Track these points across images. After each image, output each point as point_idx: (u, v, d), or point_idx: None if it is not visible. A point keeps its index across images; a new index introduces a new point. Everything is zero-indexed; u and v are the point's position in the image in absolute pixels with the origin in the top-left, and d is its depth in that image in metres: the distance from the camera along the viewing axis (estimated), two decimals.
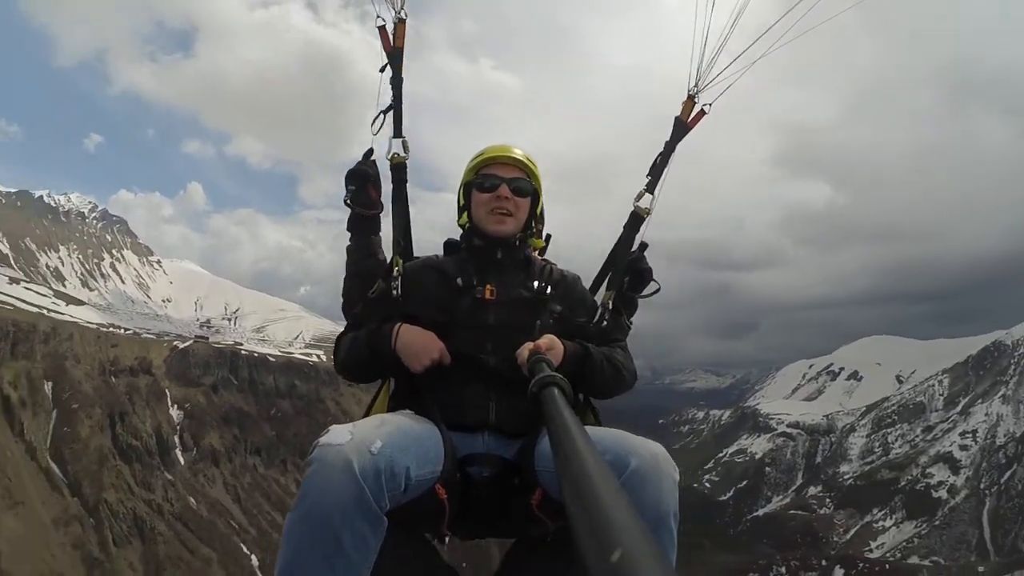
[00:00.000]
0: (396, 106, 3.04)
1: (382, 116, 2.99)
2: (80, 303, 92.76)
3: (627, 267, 2.98)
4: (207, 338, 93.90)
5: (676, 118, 3.19)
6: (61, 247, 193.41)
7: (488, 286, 2.67)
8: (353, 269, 2.92)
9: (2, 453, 51.94)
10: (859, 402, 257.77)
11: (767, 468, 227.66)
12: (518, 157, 2.81)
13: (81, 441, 58.78)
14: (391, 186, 3.04)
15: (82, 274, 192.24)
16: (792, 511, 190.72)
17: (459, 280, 2.67)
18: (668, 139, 3.18)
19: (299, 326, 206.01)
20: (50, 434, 58.80)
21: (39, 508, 52.32)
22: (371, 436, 1.94)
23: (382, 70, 3.04)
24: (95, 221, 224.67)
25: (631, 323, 3.02)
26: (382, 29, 3.06)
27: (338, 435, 1.91)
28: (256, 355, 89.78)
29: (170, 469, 62.87)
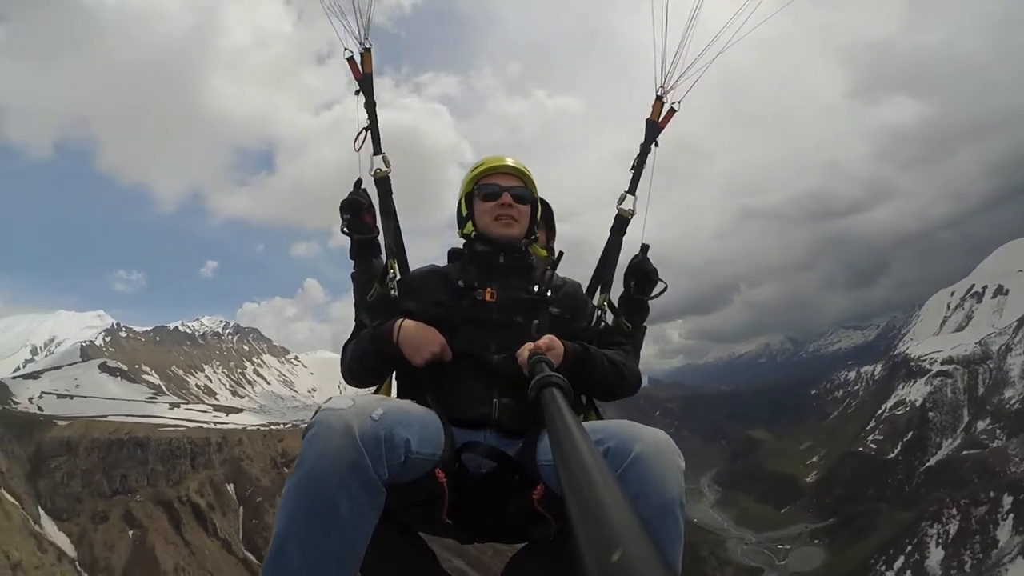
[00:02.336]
0: (373, 126, 3.23)
1: (364, 134, 3.20)
2: (238, 411, 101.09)
3: (631, 270, 3.04)
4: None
5: (647, 120, 3.32)
6: (205, 367, 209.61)
7: (489, 288, 2.69)
8: (360, 295, 3.05)
9: (201, 552, 58.69)
10: (1010, 317, 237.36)
11: (930, 414, 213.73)
12: (515, 166, 2.88)
13: (269, 528, 65.24)
14: (378, 200, 3.20)
15: (230, 386, 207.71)
16: (964, 452, 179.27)
17: (460, 282, 2.71)
18: (643, 141, 3.31)
19: None
20: (240, 528, 65.32)
21: None
22: (373, 404, 1.96)
23: (356, 93, 3.26)
24: (230, 336, 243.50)
25: (629, 324, 3.03)
26: (351, 60, 3.27)
27: (341, 401, 1.92)
28: None
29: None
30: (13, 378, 78.62)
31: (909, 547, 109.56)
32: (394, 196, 3.23)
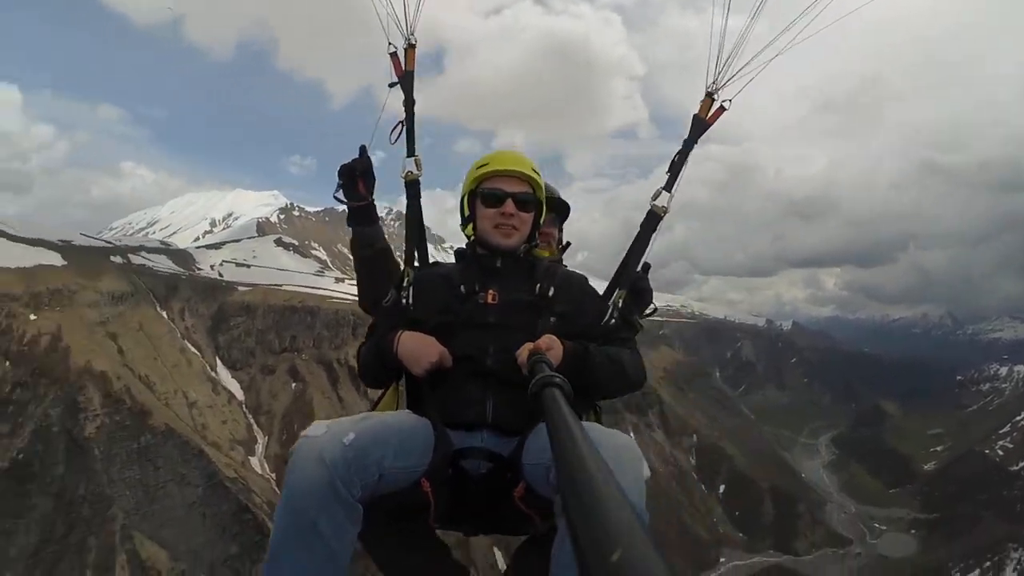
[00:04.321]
0: (408, 126, 3.16)
1: (400, 128, 3.13)
2: None
3: (629, 286, 2.99)
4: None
5: (695, 116, 3.17)
6: None
7: (490, 291, 2.72)
8: (357, 262, 3.18)
9: (351, 408, 62.95)
10: None
11: None
12: (522, 170, 2.80)
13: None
14: (406, 201, 3.15)
15: None
16: None
17: (462, 287, 2.74)
18: (687, 137, 3.16)
19: None
20: None
21: None
22: (346, 429, 2.06)
23: (391, 86, 3.21)
24: (392, 221, 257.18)
25: (642, 324, 3.05)
26: (393, 56, 3.21)
27: (316, 428, 2.06)
28: None
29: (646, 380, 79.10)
30: (197, 248, 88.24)
31: (988, 563, 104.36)
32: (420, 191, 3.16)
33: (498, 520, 2.53)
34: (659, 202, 3.08)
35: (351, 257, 3.23)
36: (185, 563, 42.14)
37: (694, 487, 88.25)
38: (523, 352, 2.27)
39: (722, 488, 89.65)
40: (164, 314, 58.04)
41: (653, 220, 3.09)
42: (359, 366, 2.88)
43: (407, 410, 2.62)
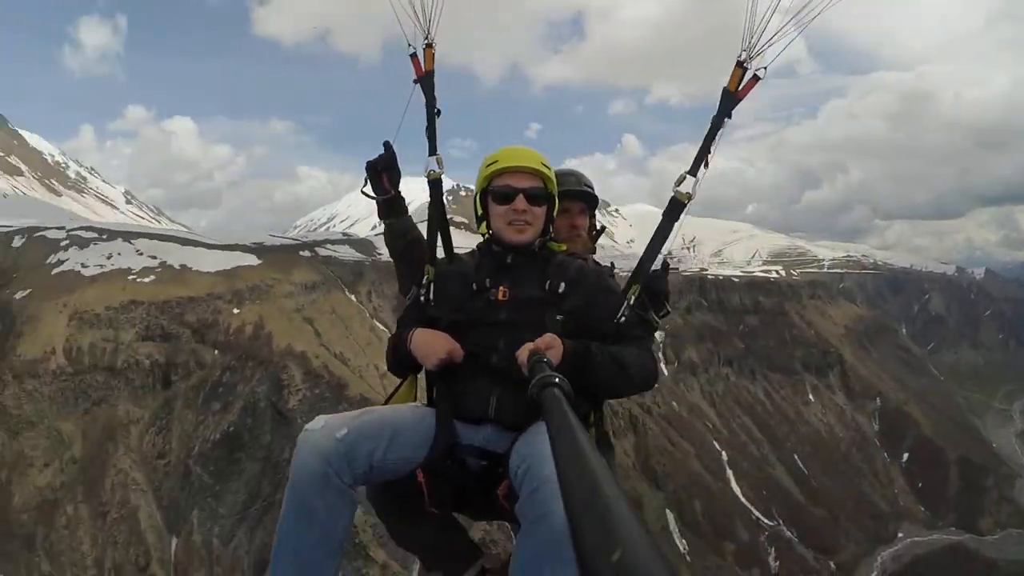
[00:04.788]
0: (430, 126, 3.18)
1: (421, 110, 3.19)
2: None
3: (645, 284, 2.91)
4: (676, 268, 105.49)
5: (724, 89, 2.90)
6: None
7: (501, 288, 2.75)
8: (393, 254, 3.43)
9: None
10: None
11: None
12: (532, 165, 2.80)
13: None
14: (428, 199, 3.24)
15: None
16: None
17: (475, 284, 2.79)
18: (715, 114, 2.93)
19: (753, 244, 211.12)
20: None
21: None
22: (340, 424, 2.33)
23: (415, 82, 3.22)
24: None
25: (659, 320, 3.00)
26: (413, 56, 3.21)
27: (316, 422, 2.35)
28: (720, 278, 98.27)
29: (658, 378, 77.59)
30: (376, 235, 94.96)
31: None
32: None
33: (499, 511, 2.57)
34: (683, 188, 2.94)
35: (388, 247, 3.52)
36: (372, 515, 47.53)
37: (876, 454, 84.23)
38: (523, 352, 2.25)
39: (905, 456, 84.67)
40: (353, 298, 62.87)
41: (676, 208, 2.96)
42: (386, 361, 2.99)
43: (414, 403, 2.83)
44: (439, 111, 3.21)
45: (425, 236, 3.22)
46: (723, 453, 72.92)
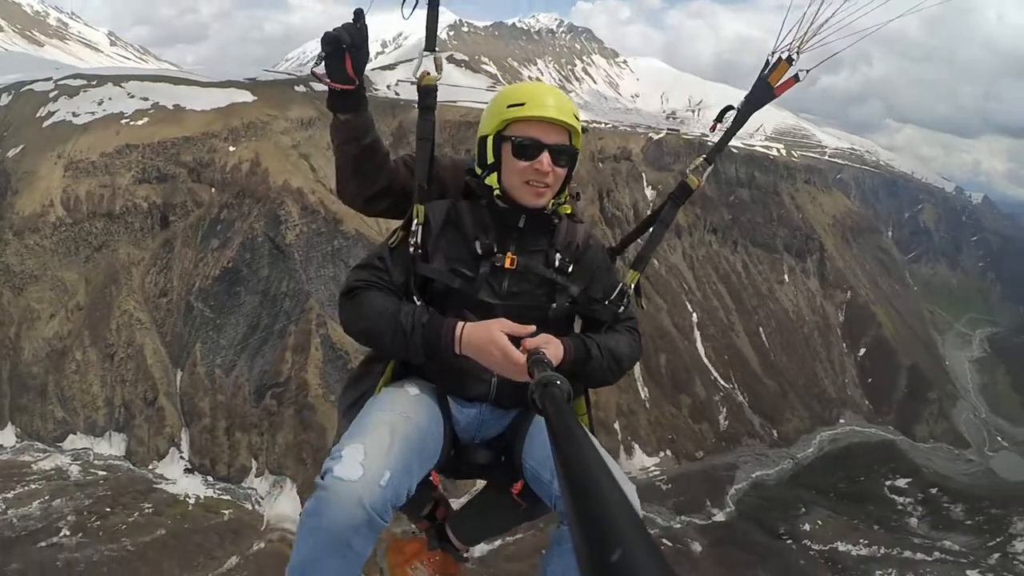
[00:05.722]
0: (431, 15, 2.51)
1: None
2: None
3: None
4: (677, 130, 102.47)
5: (763, 79, 2.70)
6: (538, 60, 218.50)
7: (509, 254, 2.43)
8: (340, 157, 2.61)
9: None
10: None
11: None
12: (562, 118, 2.36)
13: (582, 212, 74.19)
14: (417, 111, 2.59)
15: (559, 80, 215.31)
16: None
17: (478, 243, 2.42)
18: (744, 103, 2.77)
19: (760, 117, 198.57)
20: None
21: None
22: (380, 468, 2.03)
23: None
24: (563, 34, 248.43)
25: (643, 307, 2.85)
26: None
27: (350, 468, 1.99)
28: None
29: (641, 236, 77.90)
30: (372, 70, 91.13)
31: None
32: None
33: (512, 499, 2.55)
34: (695, 174, 2.80)
35: (334, 145, 2.63)
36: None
37: (835, 343, 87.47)
38: (521, 351, 2.11)
39: (862, 352, 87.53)
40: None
41: (683, 193, 2.84)
42: (354, 326, 2.40)
43: (416, 395, 2.43)
44: None
45: (416, 180, 2.53)
46: (694, 315, 75.85)
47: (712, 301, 79.32)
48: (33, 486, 41.24)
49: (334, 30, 2.36)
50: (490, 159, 2.48)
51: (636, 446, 59.76)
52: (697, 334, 74.54)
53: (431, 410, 2.42)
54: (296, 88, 65.35)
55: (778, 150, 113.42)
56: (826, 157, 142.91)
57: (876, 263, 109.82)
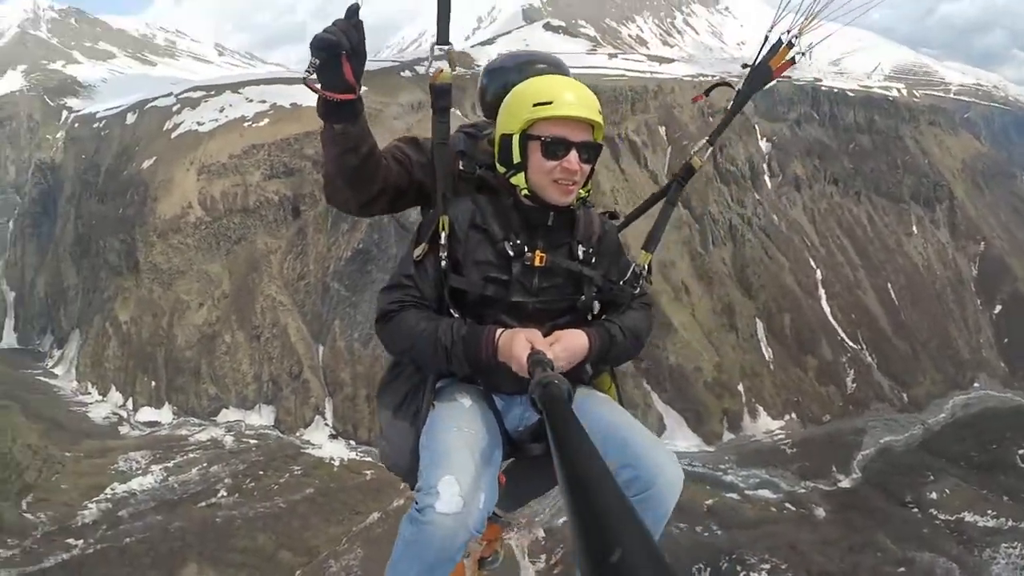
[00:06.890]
0: (443, 2, 2.35)
1: None
2: (670, 61, 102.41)
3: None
4: (788, 76, 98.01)
5: (764, 63, 2.79)
6: (637, 17, 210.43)
7: (538, 252, 2.40)
8: (333, 167, 2.42)
9: (633, 180, 66.64)
10: None
11: None
12: (589, 116, 2.32)
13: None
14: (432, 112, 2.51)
15: (660, 35, 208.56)
16: None
17: (509, 248, 2.38)
18: (744, 86, 2.82)
19: (876, 56, 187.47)
20: (666, 164, 70.59)
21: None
22: (476, 493, 2.08)
23: None
24: None
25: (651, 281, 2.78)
26: None
27: (450, 503, 2.00)
28: (836, 91, 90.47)
29: (759, 191, 72.76)
30: (472, 47, 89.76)
31: None
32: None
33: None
34: (699, 155, 2.82)
35: (327, 155, 2.42)
36: None
37: (969, 300, 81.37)
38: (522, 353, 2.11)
39: (998, 308, 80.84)
40: (458, 111, 61.92)
41: (687, 174, 2.86)
42: (388, 342, 2.43)
43: (470, 405, 2.44)
44: None
45: (437, 188, 2.48)
46: (818, 271, 72.31)
47: (836, 257, 75.26)
48: (191, 455, 44.57)
49: (327, 31, 2.16)
50: (516, 159, 2.41)
51: (760, 409, 58.75)
52: (822, 292, 71.03)
53: (486, 415, 2.45)
54: (402, 74, 66.80)
55: (898, 90, 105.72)
56: (951, 95, 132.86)
57: (1011, 211, 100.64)
